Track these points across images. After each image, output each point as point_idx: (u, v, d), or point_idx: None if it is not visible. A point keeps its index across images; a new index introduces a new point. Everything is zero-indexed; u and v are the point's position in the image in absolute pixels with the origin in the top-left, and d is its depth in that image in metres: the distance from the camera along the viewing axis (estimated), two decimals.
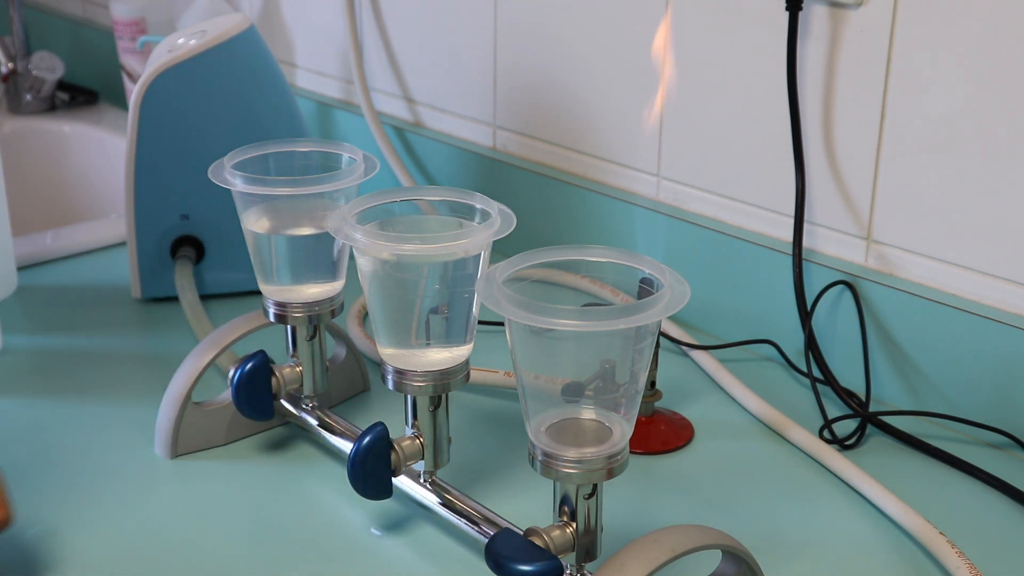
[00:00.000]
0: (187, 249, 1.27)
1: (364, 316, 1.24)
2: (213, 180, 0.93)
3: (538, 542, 0.77)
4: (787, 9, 1.06)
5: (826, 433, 1.04)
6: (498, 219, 0.83)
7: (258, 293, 0.99)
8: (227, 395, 1.02)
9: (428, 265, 0.83)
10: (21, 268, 1.34)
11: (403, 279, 0.84)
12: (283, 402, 1.01)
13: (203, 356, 1.00)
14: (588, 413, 0.76)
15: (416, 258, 0.82)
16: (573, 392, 0.75)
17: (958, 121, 1.00)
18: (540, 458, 0.75)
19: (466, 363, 0.88)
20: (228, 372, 1.02)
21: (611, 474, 0.75)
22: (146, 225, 1.26)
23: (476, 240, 0.82)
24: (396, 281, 0.84)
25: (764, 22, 1.10)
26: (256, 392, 0.99)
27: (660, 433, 1.04)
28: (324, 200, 0.94)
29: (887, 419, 1.05)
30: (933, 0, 0.99)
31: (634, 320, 0.70)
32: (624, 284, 0.77)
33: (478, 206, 0.86)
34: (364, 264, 0.84)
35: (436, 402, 0.88)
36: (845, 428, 1.04)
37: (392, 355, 0.86)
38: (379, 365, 1.13)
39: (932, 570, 0.88)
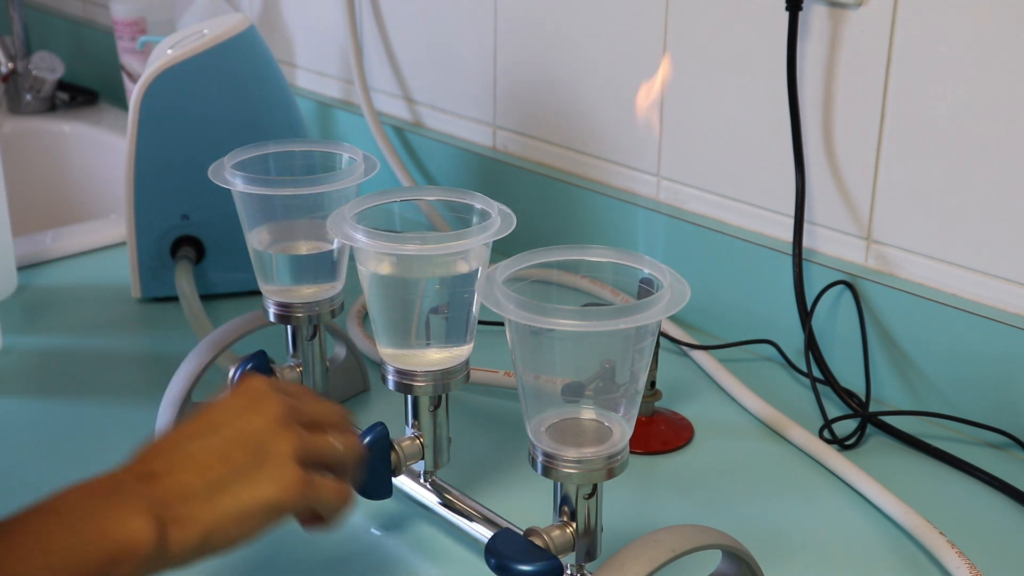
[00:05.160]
0: (187, 249, 1.27)
1: (364, 316, 1.24)
2: (213, 180, 0.93)
3: (538, 542, 0.76)
4: (787, 9, 1.06)
5: (826, 433, 1.04)
6: (498, 219, 0.83)
7: (258, 293, 0.99)
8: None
9: (429, 267, 0.83)
10: (21, 268, 1.34)
11: (403, 280, 0.84)
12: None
13: (203, 356, 1.00)
14: (588, 413, 0.76)
15: (418, 260, 0.82)
16: (573, 392, 0.75)
17: (958, 121, 1.00)
18: (540, 458, 0.75)
19: (466, 363, 0.87)
20: (228, 372, 1.01)
21: (611, 474, 0.75)
22: (146, 225, 1.26)
23: (477, 249, 0.82)
24: (396, 281, 0.84)
25: (764, 22, 1.10)
26: None
27: (660, 433, 1.04)
28: (325, 211, 0.94)
29: (887, 419, 1.05)
30: (933, 0, 0.99)
31: (634, 320, 0.70)
32: (624, 284, 0.77)
33: (478, 206, 0.86)
34: (367, 264, 0.84)
35: (436, 402, 0.88)
36: (845, 428, 1.04)
37: (392, 355, 0.86)
38: (379, 365, 1.13)
39: (932, 570, 0.88)
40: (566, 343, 0.73)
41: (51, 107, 1.91)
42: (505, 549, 0.77)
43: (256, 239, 0.95)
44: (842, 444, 1.03)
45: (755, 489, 0.98)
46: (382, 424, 0.88)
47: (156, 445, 0.71)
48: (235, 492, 0.69)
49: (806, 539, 0.92)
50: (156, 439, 0.72)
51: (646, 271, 0.75)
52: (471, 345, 0.87)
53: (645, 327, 0.72)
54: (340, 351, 1.09)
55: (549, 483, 0.77)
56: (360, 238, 0.81)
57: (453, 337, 0.85)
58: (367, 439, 0.87)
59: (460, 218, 0.87)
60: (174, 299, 1.26)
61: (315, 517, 0.75)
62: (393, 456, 0.88)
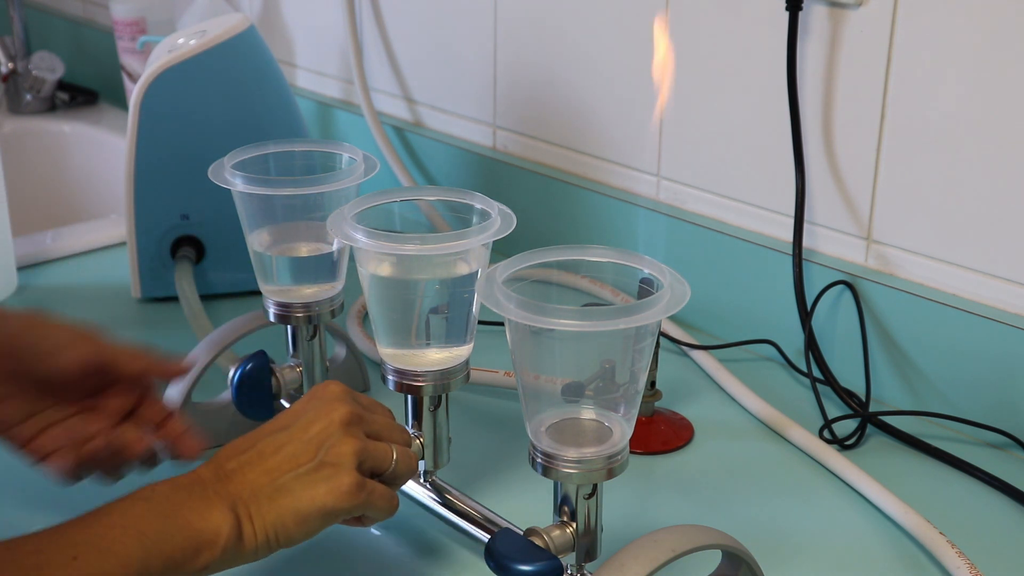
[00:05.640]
0: (187, 249, 1.27)
1: (364, 316, 1.24)
2: (213, 180, 0.93)
3: (538, 542, 0.77)
4: (787, 9, 1.06)
5: (826, 433, 1.04)
6: (498, 219, 0.83)
7: (258, 293, 0.98)
8: (227, 395, 1.02)
9: (429, 267, 0.83)
10: (21, 268, 1.34)
11: (403, 280, 0.84)
12: (283, 402, 1.01)
13: (203, 356, 1.00)
14: (588, 413, 0.76)
15: (417, 260, 0.82)
16: (573, 392, 0.75)
17: (958, 121, 1.00)
18: (540, 458, 0.75)
19: (466, 363, 0.87)
20: (228, 372, 1.01)
21: (611, 474, 0.75)
22: (146, 225, 1.26)
23: (477, 249, 0.82)
24: (396, 282, 0.84)
25: (764, 22, 1.10)
26: (256, 392, 0.99)
27: (660, 433, 1.04)
28: (325, 212, 0.94)
29: (887, 419, 1.05)
30: (933, 0, 0.99)
31: (634, 320, 0.70)
32: (624, 284, 0.77)
33: (478, 206, 0.86)
34: (368, 265, 0.84)
35: (436, 402, 0.88)
36: (845, 428, 1.04)
37: (392, 355, 0.86)
38: (379, 365, 1.13)
39: (932, 570, 0.88)
40: (566, 343, 0.73)
41: (51, 107, 1.91)
42: (505, 549, 0.77)
43: (256, 240, 0.95)
44: (842, 444, 1.03)
45: (755, 489, 0.98)
46: None
47: (235, 444, 0.76)
48: (296, 493, 0.74)
49: (806, 539, 0.92)
50: (238, 438, 0.77)
51: (646, 271, 0.75)
52: (471, 345, 0.87)
53: (645, 327, 0.72)
54: (340, 351, 1.09)
55: (549, 483, 0.77)
56: (360, 238, 0.81)
57: (453, 337, 0.85)
58: None
59: (460, 218, 0.87)
60: (174, 299, 1.26)
61: (356, 518, 0.80)
62: None
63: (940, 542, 0.88)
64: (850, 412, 1.06)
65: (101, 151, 1.82)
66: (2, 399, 0.84)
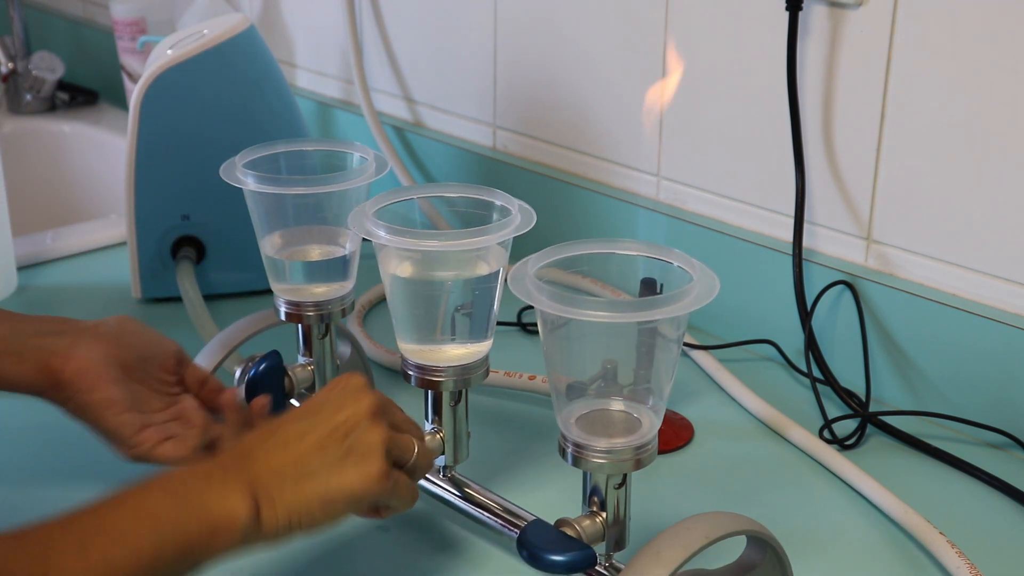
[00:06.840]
0: (188, 249, 1.27)
1: (364, 316, 1.24)
2: (225, 179, 0.93)
3: (570, 532, 0.77)
4: (787, 9, 1.06)
5: (826, 433, 1.04)
6: (518, 215, 0.83)
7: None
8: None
9: (453, 264, 0.83)
10: (21, 268, 1.34)
11: (428, 276, 0.84)
12: (293, 402, 1.01)
13: (212, 357, 1.00)
14: (617, 404, 0.76)
15: (443, 256, 0.82)
16: (603, 383, 0.75)
17: (958, 121, 1.00)
18: (571, 448, 0.76)
19: (485, 358, 0.87)
20: (234, 372, 1.01)
21: (639, 464, 0.76)
22: (146, 225, 1.26)
23: (499, 247, 0.82)
24: (422, 278, 0.84)
25: (764, 22, 1.10)
26: (269, 392, 0.98)
27: (660, 433, 1.03)
28: (337, 212, 0.94)
29: (887, 419, 1.05)
30: (933, 0, 0.99)
31: (666, 311, 0.71)
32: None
33: (498, 203, 0.86)
34: (389, 262, 0.84)
35: (456, 397, 0.88)
36: (845, 428, 1.05)
37: (413, 350, 0.86)
38: (379, 365, 1.13)
39: (932, 570, 0.88)
40: (596, 334, 0.73)
41: (51, 107, 1.91)
42: (538, 540, 0.77)
43: (268, 244, 0.95)
44: (842, 444, 1.03)
45: (755, 489, 0.98)
46: None
47: (260, 430, 0.77)
48: (324, 478, 0.74)
49: (806, 539, 0.92)
50: (263, 425, 0.78)
51: (676, 264, 0.76)
52: (491, 341, 0.87)
53: (676, 319, 0.72)
54: (344, 350, 1.09)
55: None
56: (384, 235, 0.81)
57: (475, 333, 0.86)
58: None
59: (479, 215, 0.87)
60: (174, 299, 1.26)
61: (374, 509, 0.80)
62: None
63: (940, 542, 0.88)
64: (850, 412, 1.06)
65: (101, 151, 1.82)
66: (113, 381, 0.88)
